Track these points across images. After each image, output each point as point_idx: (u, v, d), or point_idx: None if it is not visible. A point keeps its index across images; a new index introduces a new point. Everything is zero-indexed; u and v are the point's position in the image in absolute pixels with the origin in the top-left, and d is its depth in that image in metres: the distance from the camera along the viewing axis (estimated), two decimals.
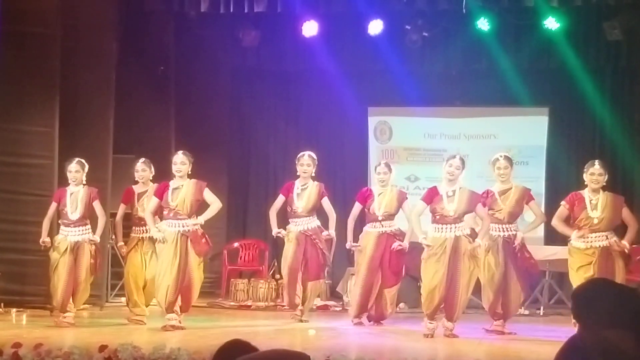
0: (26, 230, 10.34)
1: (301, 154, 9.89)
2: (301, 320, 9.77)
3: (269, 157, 13.70)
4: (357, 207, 9.80)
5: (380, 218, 9.59)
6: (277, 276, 12.11)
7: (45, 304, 9.85)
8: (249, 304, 11.67)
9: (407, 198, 9.73)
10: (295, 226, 9.80)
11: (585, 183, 8.69)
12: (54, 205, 9.43)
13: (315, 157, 9.85)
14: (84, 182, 9.47)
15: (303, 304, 9.84)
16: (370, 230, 9.67)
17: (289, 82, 13.55)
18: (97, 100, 11.25)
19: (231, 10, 11.99)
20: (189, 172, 9.20)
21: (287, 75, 13.44)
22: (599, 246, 8.52)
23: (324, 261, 9.86)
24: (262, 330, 9.49)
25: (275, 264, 12.47)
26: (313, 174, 9.84)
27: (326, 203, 9.80)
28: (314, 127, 13.34)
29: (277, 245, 12.97)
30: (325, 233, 9.72)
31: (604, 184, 8.66)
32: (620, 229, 8.86)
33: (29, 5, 10.64)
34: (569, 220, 8.80)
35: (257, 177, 13.76)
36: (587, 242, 8.57)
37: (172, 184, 9.13)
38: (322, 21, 12.29)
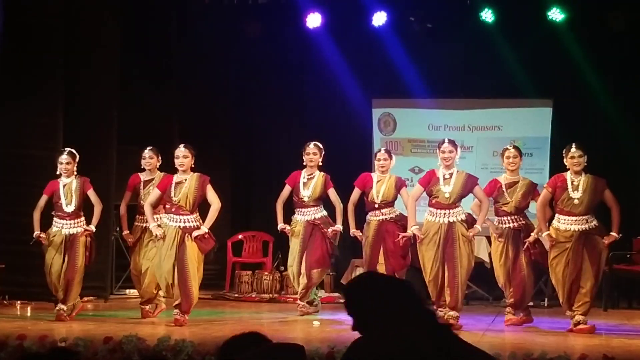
0: (31, 222, 10.30)
1: (307, 143, 9.83)
2: (307, 313, 9.70)
3: (272, 149, 13.67)
4: (356, 193, 9.72)
5: (377, 206, 9.58)
6: (282, 268, 12.12)
7: (50, 296, 9.85)
8: (253, 295, 11.67)
9: (405, 185, 9.73)
10: (302, 216, 9.76)
11: (567, 167, 8.76)
12: (44, 198, 9.32)
13: (321, 146, 9.79)
14: (76, 173, 9.37)
15: (307, 290, 9.73)
16: (372, 219, 9.67)
17: (292, 74, 13.51)
18: (101, 91, 11.23)
19: (235, 1, 11.99)
20: (192, 165, 9.13)
21: (291, 67, 13.41)
22: (578, 230, 8.56)
23: (331, 250, 9.80)
24: (266, 322, 9.51)
25: (280, 256, 12.47)
26: (320, 163, 9.80)
27: (332, 194, 9.76)
28: (318, 119, 13.31)
29: (282, 237, 12.96)
30: (331, 228, 9.67)
31: (585, 164, 8.70)
32: (602, 215, 8.88)
33: None
34: (552, 204, 8.86)
35: (261, 168, 13.74)
36: (567, 224, 8.61)
37: (176, 177, 9.04)
38: (326, 13, 12.28)
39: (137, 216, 9.66)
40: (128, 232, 9.64)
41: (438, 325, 3.32)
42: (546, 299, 11.18)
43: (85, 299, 10.36)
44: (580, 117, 12.56)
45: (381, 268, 9.61)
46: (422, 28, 12.26)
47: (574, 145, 8.73)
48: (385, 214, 9.60)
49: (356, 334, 3.26)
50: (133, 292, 11.22)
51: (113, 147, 11.31)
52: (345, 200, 9.82)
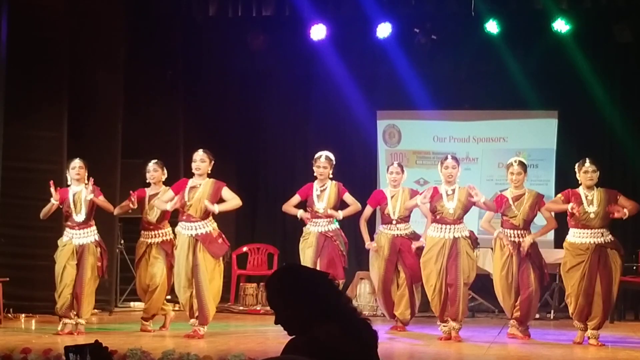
0: (35, 236, 10.31)
1: (318, 154, 9.67)
2: None
3: (277, 162, 13.66)
4: (368, 210, 9.79)
5: (395, 222, 9.59)
6: None
7: (54, 309, 9.82)
8: (258, 308, 11.63)
9: (419, 194, 9.67)
10: (315, 227, 9.57)
11: (580, 182, 8.78)
12: (55, 205, 9.23)
13: (332, 157, 9.66)
14: (86, 182, 9.28)
15: None
16: (386, 232, 9.68)
17: (297, 86, 13.51)
18: (106, 104, 11.24)
19: (239, 14, 11.99)
20: (209, 172, 9.05)
21: (296, 79, 13.41)
22: (594, 243, 8.55)
23: (344, 263, 9.63)
24: (271, 335, 9.46)
25: None
26: (331, 175, 9.73)
27: (348, 198, 9.62)
28: (322, 131, 13.30)
29: (287, 249, 12.93)
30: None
31: (597, 180, 8.71)
32: (615, 228, 8.85)
33: (37, 11, 10.65)
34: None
35: (266, 181, 13.72)
36: (582, 237, 8.61)
37: (191, 182, 8.98)
38: (331, 24, 12.27)
39: (142, 232, 9.61)
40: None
41: (361, 321, 3.32)
42: (552, 312, 11.13)
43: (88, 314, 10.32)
44: (585, 129, 12.54)
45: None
46: (427, 40, 12.24)
47: (588, 160, 8.75)
48: (401, 229, 9.64)
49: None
50: (138, 304, 11.22)
51: (117, 160, 11.30)
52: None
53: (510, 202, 9.05)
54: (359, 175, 12.87)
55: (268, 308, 11.53)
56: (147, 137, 11.99)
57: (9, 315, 10.24)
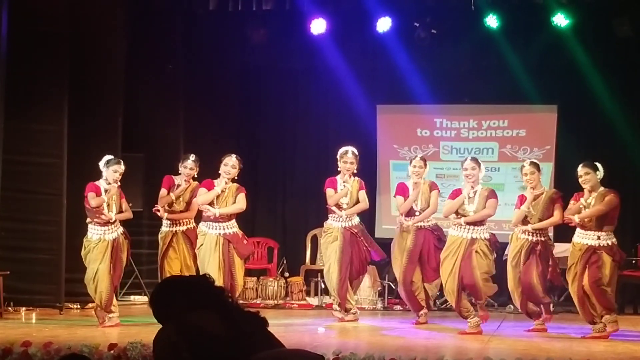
0: (36, 229, 10.31)
1: (344, 150, 9.77)
2: (349, 319, 9.71)
3: (277, 155, 13.66)
4: (400, 201, 9.75)
5: (417, 213, 9.59)
6: (286, 274, 12.12)
7: (55, 302, 9.82)
8: (258, 302, 11.66)
9: (436, 188, 9.74)
10: (338, 221, 9.69)
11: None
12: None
13: (357, 153, 9.78)
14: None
15: (345, 305, 9.74)
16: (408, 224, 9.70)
17: (297, 80, 13.52)
18: (106, 98, 11.23)
19: (239, 8, 12.01)
20: (236, 177, 9.40)
21: (296, 73, 13.41)
22: (587, 244, 8.55)
23: (368, 257, 9.79)
24: (271, 329, 9.47)
25: (285, 262, 12.46)
26: (355, 171, 9.76)
27: (362, 195, 9.71)
28: (322, 125, 13.31)
29: (287, 243, 12.96)
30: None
31: (595, 180, 8.62)
32: (622, 231, 8.81)
33: (38, 5, 10.64)
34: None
35: (266, 174, 13.72)
36: (580, 237, 8.64)
37: (218, 185, 9.33)
38: (331, 19, 12.28)
39: (167, 221, 9.64)
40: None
41: (244, 311, 3.52)
42: (551, 305, 11.13)
43: (90, 305, 10.33)
44: (585, 123, 12.54)
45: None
46: (427, 34, 12.24)
47: (581, 165, 8.73)
48: (424, 221, 9.63)
49: None
50: (138, 298, 11.22)
51: (117, 154, 11.27)
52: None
53: (529, 202, 9.01)
54: (358, 169, 12.85)
55: (267, 301, 11.63)
56: (147, 131, 12.00)
57: (9, 308, 10.25)
